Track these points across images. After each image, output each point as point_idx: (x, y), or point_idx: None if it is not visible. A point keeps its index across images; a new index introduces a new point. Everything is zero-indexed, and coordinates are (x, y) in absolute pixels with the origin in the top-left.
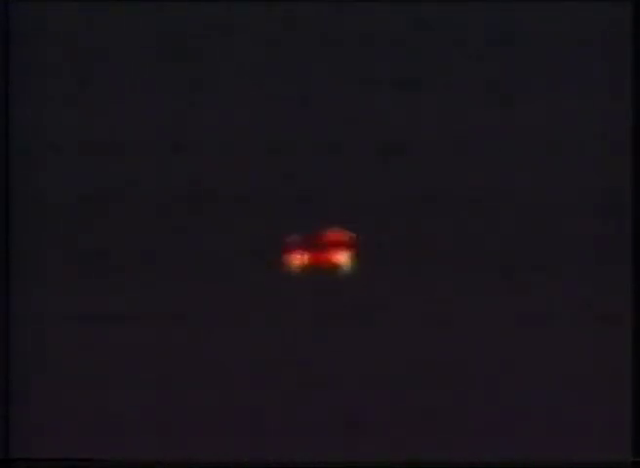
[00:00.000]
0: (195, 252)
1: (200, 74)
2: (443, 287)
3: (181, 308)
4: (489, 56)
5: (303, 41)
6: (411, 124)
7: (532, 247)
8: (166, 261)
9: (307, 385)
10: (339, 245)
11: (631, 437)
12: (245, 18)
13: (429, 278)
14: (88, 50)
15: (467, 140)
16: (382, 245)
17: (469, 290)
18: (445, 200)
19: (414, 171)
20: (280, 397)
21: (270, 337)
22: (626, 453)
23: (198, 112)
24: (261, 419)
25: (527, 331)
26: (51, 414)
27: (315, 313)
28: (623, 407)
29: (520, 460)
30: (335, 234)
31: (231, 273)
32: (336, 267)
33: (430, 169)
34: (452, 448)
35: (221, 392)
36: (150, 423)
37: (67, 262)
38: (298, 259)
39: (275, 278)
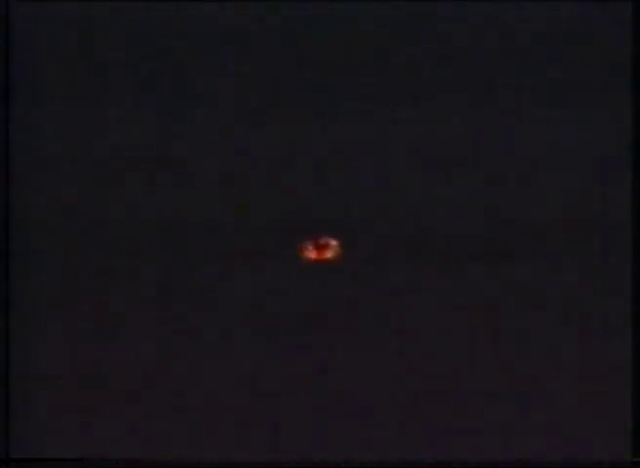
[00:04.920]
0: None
1: (203, 79)
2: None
3: (194, 306)
4: (485, 56)
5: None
6: (400, 135)
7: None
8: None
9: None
10: (331, 245)
11: (631, 437)
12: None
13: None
14: (88, 50)
15: (458, 147)
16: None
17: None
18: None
19: (407, 183)
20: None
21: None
22: (626, 453)
23: (202, 117)
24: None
25: (526, 331)
26: (51, 414)
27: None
28: (623, 407)
29: (520, 460)
30: (328, 238)
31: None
32: (329, 260)
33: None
34: (451, 447)
35: (225, 390)
36: (151, 424)
37: (67, 265)
38: (305, 255)
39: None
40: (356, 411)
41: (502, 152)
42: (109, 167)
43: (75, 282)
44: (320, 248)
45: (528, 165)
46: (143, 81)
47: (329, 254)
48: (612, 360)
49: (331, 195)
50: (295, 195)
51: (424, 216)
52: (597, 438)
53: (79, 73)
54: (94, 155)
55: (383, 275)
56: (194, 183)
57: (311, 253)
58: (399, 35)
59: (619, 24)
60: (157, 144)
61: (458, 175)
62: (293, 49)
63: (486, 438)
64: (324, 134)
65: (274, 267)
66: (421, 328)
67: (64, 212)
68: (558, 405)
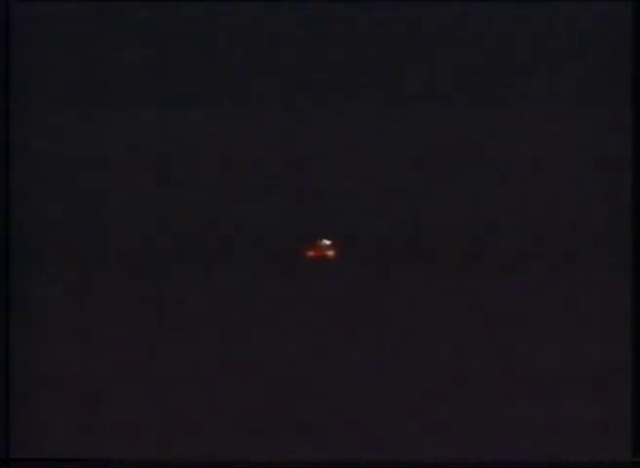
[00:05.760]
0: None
1: (204, 78)
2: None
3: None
4: (486, 56)
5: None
6: (408, 140)
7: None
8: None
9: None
10: (330, 247)
11: (631, 437)
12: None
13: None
14: (88, 50)
15: (461, 142)
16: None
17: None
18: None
19: (413, 188)
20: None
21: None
22: (626, 453)
23: (204, 116)
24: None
25: (527, 331)
26: (51, 414)
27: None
28: (623, 407)
29: (520, 460)
30: (327, 242)
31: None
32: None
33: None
34: (451, 447)
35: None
36: (151, 424)
37: (67, 263)
38: (309, 255)
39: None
40: (356, 412)
41: (502, 152)
42: (109, 167)
43: (75, 282)
44: (320, 247)
45: (528, 165)
46: (143, 81)
47: (328, 253)
48: (612, 360)
49: (331, 195)
50: (295, 195)
51: (423, 218)
52: (597, 438)
53: (79, 73)
54: (93, 155)
55: (383, 277)
56: (195, 184)
57: (312, 252)
58: (401, 36)
59: (618, 24)
60: (157, 145)
61: (457, 176)
62: (294, 50)
63: (486, 438)
64: (322, 134)
65: (274, 267)
66: (421, 328)
67: (64, 212)
68: (558, 405)
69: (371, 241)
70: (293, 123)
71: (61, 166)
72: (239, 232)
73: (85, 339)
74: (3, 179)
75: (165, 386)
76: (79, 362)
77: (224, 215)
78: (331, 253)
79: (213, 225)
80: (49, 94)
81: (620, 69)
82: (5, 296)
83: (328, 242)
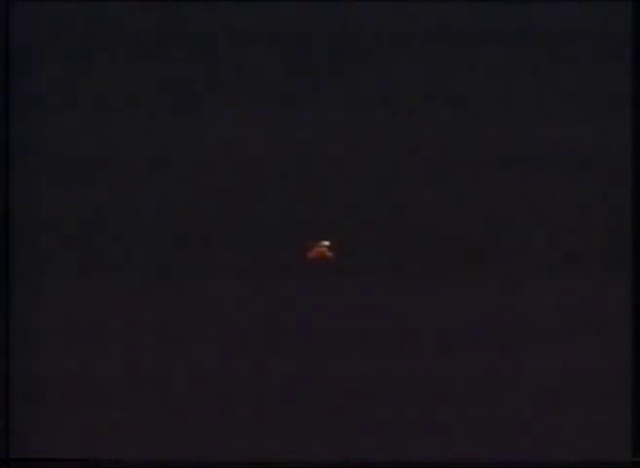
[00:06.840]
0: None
1: (207, 76)
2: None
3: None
4: (485, 56)
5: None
6: (406, 140)
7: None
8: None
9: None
10: (326, 247)
11: (631, 437)
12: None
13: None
14: (88, 50)
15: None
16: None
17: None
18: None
19: (414, 194)
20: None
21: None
22: (626, 453)
23: (206, 117)
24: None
25: (526, 331)
26: (51, 414)
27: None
28: (623, 407)
29: (520, 460)
30: (323, 243)
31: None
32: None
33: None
34: (451, 447)
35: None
36: (151, 424)
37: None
38: (309, 255)
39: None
40: (355, 412)
41: (501, 153)
42: (109, 167)
43: (75, 282)
44: (319, 247)
45: (527, 165)
46: (143, 81)
47: (327, 254)
48: (612, 360)
49: (329, 196)
50: (294, 196)
51: (421, 219)
52: (597, 438)
53: (79, 73)
54: (93, 155)
55: (383, 277)
56: (193, 184)
57: (311, 253)
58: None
59: (618, 24)
60: (157, 145)
61: (455, 176)
62: (290, 50)
63: (486, 438)
64: (323, 134)
65: (273, 268)
66: (420, 328)
67: (64, 212)
68: (558, 405)
69: (371, 241)
70: (293, 123)
71: (61, 166)
72: (239, 232)
73: (85, 340)
74: (3, 179)
75: (165, 386)
76: (79, 362)
77: (224, 215)
78: (330, 253)
79: (213, 225)
80: (49, 94)
81: (619, 69)
82: (5, 296)
83: (327, 243)
